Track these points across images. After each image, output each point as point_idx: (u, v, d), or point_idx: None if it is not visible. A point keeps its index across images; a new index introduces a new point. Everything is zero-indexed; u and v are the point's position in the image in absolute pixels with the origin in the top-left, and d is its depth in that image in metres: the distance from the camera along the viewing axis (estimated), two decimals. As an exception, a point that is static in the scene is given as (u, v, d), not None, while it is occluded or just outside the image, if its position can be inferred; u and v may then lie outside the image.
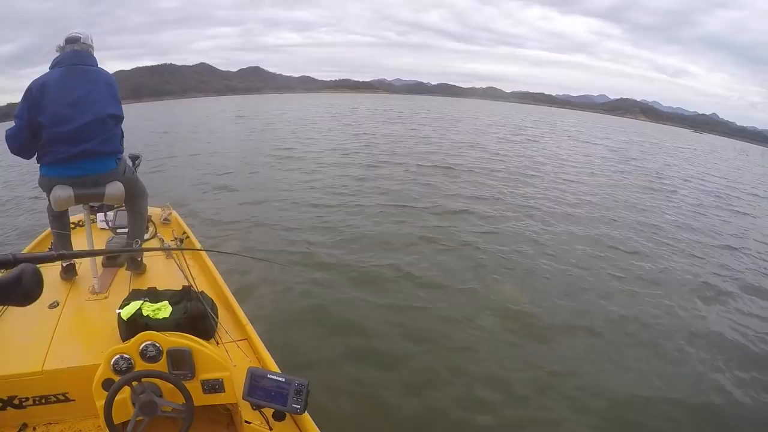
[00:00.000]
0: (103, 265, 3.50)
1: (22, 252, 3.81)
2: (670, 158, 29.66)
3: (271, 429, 2.07)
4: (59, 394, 2.32)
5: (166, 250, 3.76)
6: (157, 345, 2.07)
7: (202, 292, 2.76)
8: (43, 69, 2.94)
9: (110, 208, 4.04)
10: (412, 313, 5.44)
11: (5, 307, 2.69)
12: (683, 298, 6.51)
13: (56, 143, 2.79)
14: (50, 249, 3.83)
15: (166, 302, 2.56)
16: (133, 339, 2.08)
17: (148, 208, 3.71)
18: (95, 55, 3.11)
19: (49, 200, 2.97)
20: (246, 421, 2.11)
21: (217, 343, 2.61)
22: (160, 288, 2.74)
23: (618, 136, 47.42)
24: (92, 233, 3.18)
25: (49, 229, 3.55)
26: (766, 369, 5.00)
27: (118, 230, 3.98)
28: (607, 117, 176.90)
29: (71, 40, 2.96)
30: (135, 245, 3.53)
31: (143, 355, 2.06)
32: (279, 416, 2.07)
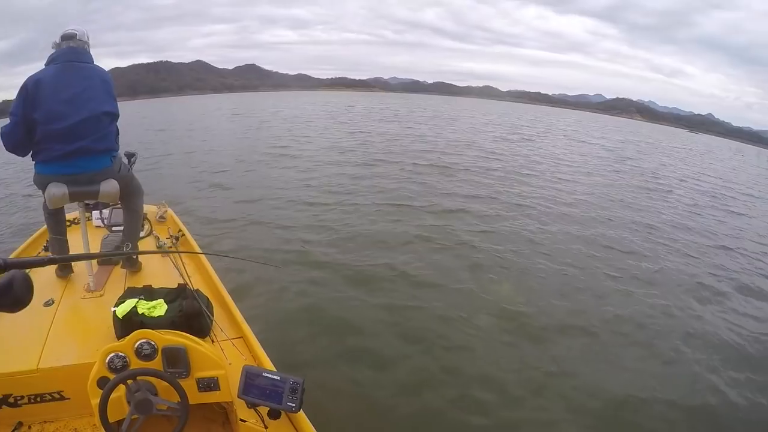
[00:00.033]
0: (99, 263, 3.49)
1: (18, 248, 3.82)
2: (665, 158, 29.73)
3: (266, 427, 2.07)
4: (54, 393, 2.31)
5: (161, 252, 3.74)
6: (152, 343, 2.07)
7: (197, 290, 2.76)
8: (40, 66, 2.94)
9: (106, 205, 4.04)
10: (408, 312, 5.43)
11: None
12: (679, 298, 6.53)
13: (51, 140, 2.79)
14: (46, 246, 3.83)
15: (161, 300, 2.56)
16: (128, 337, 2.08)
17: (144, 205, 3.70)
18: (91, 52, 3.11)
19: (44, 198, 2.96)
20: (241, 420, 2.11)
21: (213, 342, 2.61)
22: (155, 286, 2.75)
23: (614, 135, 47.49)
24: (87, 231, 3.18)
25: (45, 226, 3.55)
26: (760, 369, 5.02)
27: (114, 228, 3.97)
28: (603, 116, 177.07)
29: (67, 37, 2.95)
30: (130, 245, 3.53)
31: (138, 353, 2.06)
32: (274, 414, 2.07)
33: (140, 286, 2.74)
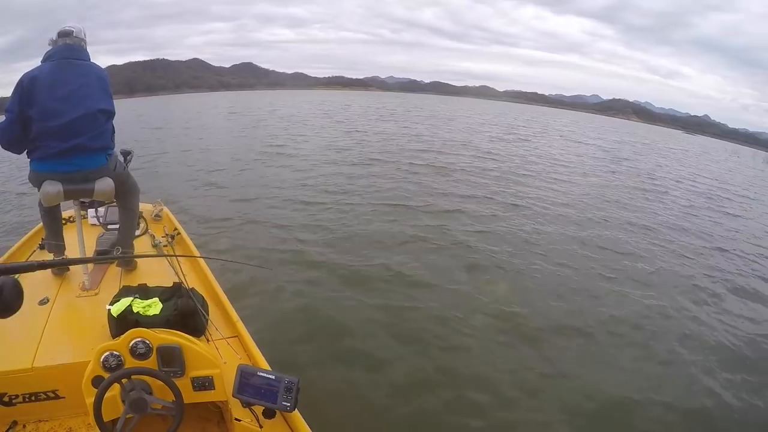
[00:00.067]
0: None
1: (12, 247, 3.81)
2: (662, 159, 29.83)
3: (261, 427, 2.07)
4: (49, 392, 2.30)
5: (157, 256, 3.73)
6: (147, 342, 2.07)
7: (192, 289, 2.75)
8: (37, 63, 2.93)
9: (101, 203, 4.03)
10: (404, 313, 5.44)
11: None
12: (674, 299, 6.55)
13: (46, 138, 2.78)
14: (41, 245, 3.83)
15: (156, 299, 2.55)
16: (122, 336, 2.08)
17: (140, 204, 3.69)
18: (88, 49, 3.10)
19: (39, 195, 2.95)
20: (236, 419, 2.11)
21: (208, 341, 2.60)
22: (150, 285, 2.73)
23: (610, 136, 47.62)
24: (83, 229, 3.17)
25: (40, 224, 3.54)
26: (755, 371, 5.05)
27: (109, 226, 3.96)
28: (600, 117, 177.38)
29: (63, 34, 2.94)
30: (126, 246, 3.52)
31: (133, 352, 2.06)
32: (269, 414, 2.07)
33: (135, 284, 2.72)
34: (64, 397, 2.32)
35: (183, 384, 2.08)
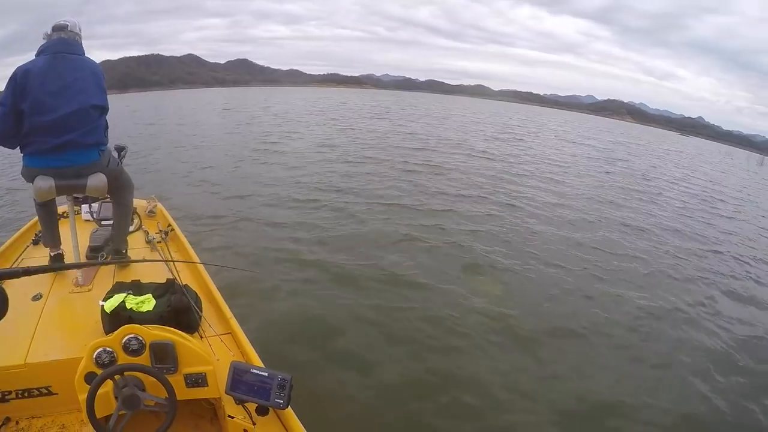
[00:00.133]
0: (87, 257, 3.47)
1: (6, 242, 3.80)
2: (656, 160, 29.98)
3: (254, 424, 2.07)
4: (42, 388, 2.30)
5: (148, 261, 3.70)
6: (140, 338, 2.06)
7: (186, 286, 2.75)
8: (31, 57, 2.91)
9: (95, 199, 4.01)
10: (397, 313, 5.43)
11: None
12: (668, 301, 6.57)
13: (39, 133, 2.76)
14: (34, 240, 3.82)
15: (149, 295, 2.54)
16: (115, 332, 2.07)
17: (134, 200, 3.68)
18: (83, 44, 3.08)
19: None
20: (229, 416, 2.10)
21: (201, 337, 2.60)
22: (144, 281, 2.73)
23: (604, 136, 47.78)
24: (76, 225, 3.16)
25: (35, 219, 3.52)
26: (749, 374, 5.07)
27: (103, 222, 3.95)
28: (594, 117, 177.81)
29: (58, 28, 2.92)
30: (120, 242, 3.52)
31: (126, 348, 2.05)
32: (262, 411, 2.07)
33: (129, 281, 2.72)
34: (57, 394, 2.31)
35: (176, 381, 2.08)
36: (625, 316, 5.97)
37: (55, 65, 2.81)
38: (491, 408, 4.00)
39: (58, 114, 2.75)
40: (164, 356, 2.08)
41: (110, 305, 2.40)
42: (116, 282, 2.75)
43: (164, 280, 2.75)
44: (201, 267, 3.42)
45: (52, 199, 3.07)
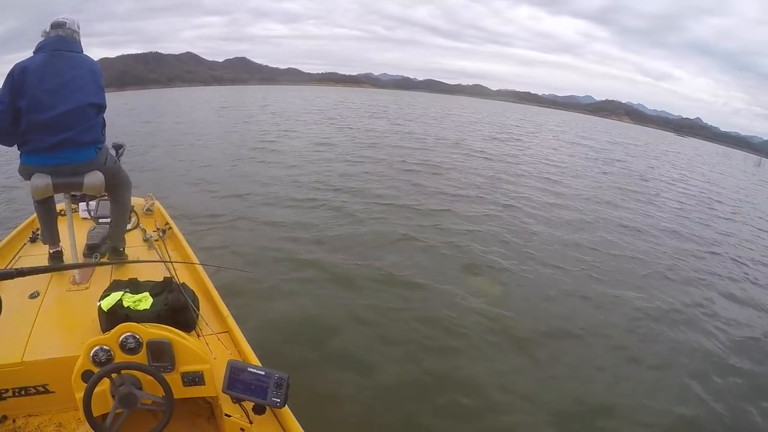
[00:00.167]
0: (85, 255, 3.47)
1: (4, 239, 3.79)
2: (654, 161, 30.02)
3: (251, 422, 2.07)
4: (39, 386, 2.29)
5: (144, 262, 3.69)
6: (137, 337, 2.06)
7: (183, 284, 2.75)
8: (29, 55, 2.91)
9: (93, 197, 4.01)
10: (394, 313, 5.43)
11: None
12: (665, 302, 6.57)
13: (36, 131, 2.76)
14: (32, 237, 3.82)
15: (147, 293, 2.54)
16: (112, 330, 2.07)
17: (131, 198, 3.67)
18: (82, 41, 3.07)
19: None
20: (226, 414, 2.10)
21: (198, 336, 2.60)
22: (141, 279, 2.72)
23: (602, 137, 47.81)
24: (74, 223, 3.15)
25: (32, 216, 3.52)
26: (745, 376, 5.08)
27: (100, 220, 3.94)
28: (592, 118, 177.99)
29: (56, 25, 2.91)
30: (118, 240, 3.51)
31: (123, 346, 2.05)
32: (259, 410, 2.06)
33: (126, 279, 2.71)
34: (54, 392, 2.31)
35: (173, 379, 2.08)
36: (622, 317, 5.97)
37: (53, 63, 2.80)
38: (488, 409, 4.00)
39: (56, 112, 2.74)
40: (161, 355, 2.07)
41: (107, 303, 2.40)
42: (113, 280, 2.74)
43: (161, 279, 2.74)
44: (199, 266, 3.41)
45: (49, 196, 3.06)
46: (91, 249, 3.53)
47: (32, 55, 2.86)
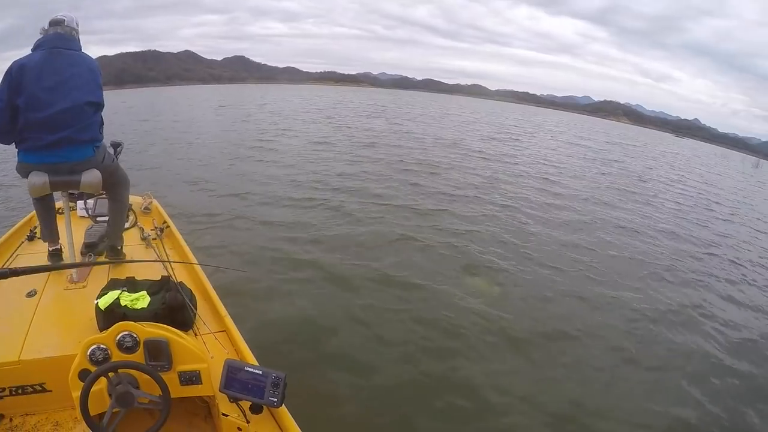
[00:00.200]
0: (82, 254, 3.46)
1: (1, 237, 3.78)
2: (652, 161, 30.06)
3: (248, 422, 2.07)
4: (36, 385, 2.29)
5: (141, 261, 3.68)
6: (134, 335, 2.05)
7: (180, 283, 2.74)
8: (27, 52, 2.90)
9: (90, 195, 4.00)
10: (391, 314, 5.43)
11: None
12: (663, 303, 6.60)
13: (33, 129, 2.75)
14: (29, 236, 3.81)
15: (144, 292, 2.54)
16: (110, 329, 2.06)
17: (129, 196, 3.66)
18: (80, 39, 3.06)
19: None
20: (223, 414, 2.10)
21: (195, 335, 2.59)
22: (138, 278, 2.72)
23: (601, 137, 47.86)
24: (71, 221, 3.15)
25: (30, 214, 3.51)
26: (743, 378, 5.09)
27: (98, 218, 3.94)
28: (591, 118, 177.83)
29: (55, 23, 2.90)
30: (115, 239, 3.50)
31: (120, 345, 2.04)
32: (256, 409, 2.06)
33: (123, 277, 2.71)
34: (51, 391, 2.30)
35: (170, 378, 2.07)
36: (620, 318, 5.98)
37: (51, 61, 2.79)
38: (486, 410, 4.01)
39: (54, 110, 2.73)
40: (158, 354, 2.07)
41: (105, 302, 2.39)
42: (111, 279, 2.74)
43: (159, 278, 2.74)
44: (196, 265, 3.41)
45: (46, 194, 3.06)
46: (89, 247, 3.52)
47: (30, 52, 2.85)
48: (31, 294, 2.83)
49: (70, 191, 3.18)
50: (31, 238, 3.78)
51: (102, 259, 3.44)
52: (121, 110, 31.50)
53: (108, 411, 1.94)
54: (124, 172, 3.50)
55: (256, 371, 2.02)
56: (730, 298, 7.35)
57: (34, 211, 3.44)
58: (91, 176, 2.96)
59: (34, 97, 2.70)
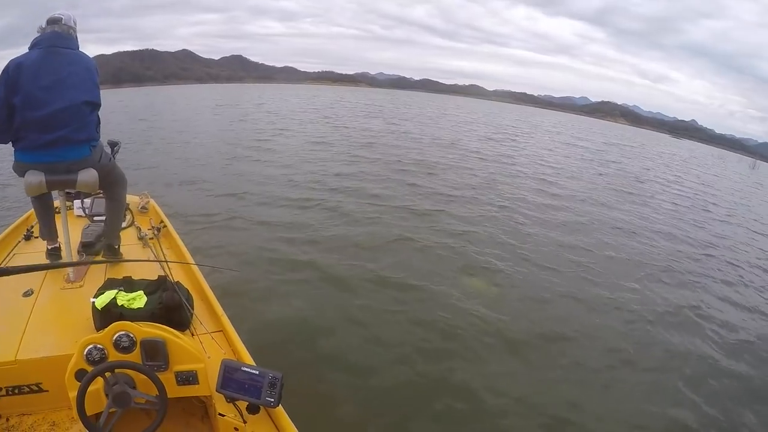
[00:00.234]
0: (79, 253, 3.45)
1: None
2: (649, 162, 30.12)
3: (245, 422, 2.06)
4: (33, 385, 2.28)
5: (137, 261, 3.68)
6: (131, 335, 2.05)
7: (177, 283, 2.74)
8: (24, 51, 2.88)
9: (87, 195, 3.99)
10: (388, 315, 5.43)
11: None
12: (660, 305, 6.60)
13: (30, 128, 2.73)
14: (26, 235, 3.80)
15: (141, 292, 2.53)
16: (106, 329, 2.06)
17: (127, 195, 3.66)
18: (78, 37, 3.05)
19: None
20: (220, 414, 2.10)
21: (192, 335, 2.59)
22: (135, 277, 2.71)
23: (598, 138, 47.95)
24: (68, 220, 3.14)
25: (27, 213, 3.50)
26: (742, 379, 5.10)
27: (95, 218, 3.93)
28: (588, 119, 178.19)
29: (52, 21, 2.88)
30: (112, 238, 3.50)
31: (117, 345, 2.04)
32: (253, 409, 2.06)
33: (120, 277, 2.70)
34: (47, 391, 2.30)
35: (167, 378, 2.07)
36: (617, 319, 5.99)
37: (48, 59, 2.78)
38: (483, 411, 4.00)
39: (51, 109, 2.72)
40: (155, 353, 2.07)
41: (101, 302, 2.39)
42: (108, 278, 2.73)
43: (156, 277, 2.73)
44: (193, 264, 3.41)
45: (43, 193, 3.05)
46: (86, 246, 3.51)
47: (27, 51, 2.84)
48: (27, 293, 2.82)
49: (67, 190, 3.17)
50: (27, 237, 3.77)
51: (99, 258, 3.43)
52: (119, 109, 31.43)
53: (105, 411, 1.94)
54: (121, 171, 3.49)
55: (253, 371, 2.02)
56: (727, 299, 7.36)
57: (31, 211, 3.43)
58: (88, 175, 2.95)
59: (31, 96, 2.69)
